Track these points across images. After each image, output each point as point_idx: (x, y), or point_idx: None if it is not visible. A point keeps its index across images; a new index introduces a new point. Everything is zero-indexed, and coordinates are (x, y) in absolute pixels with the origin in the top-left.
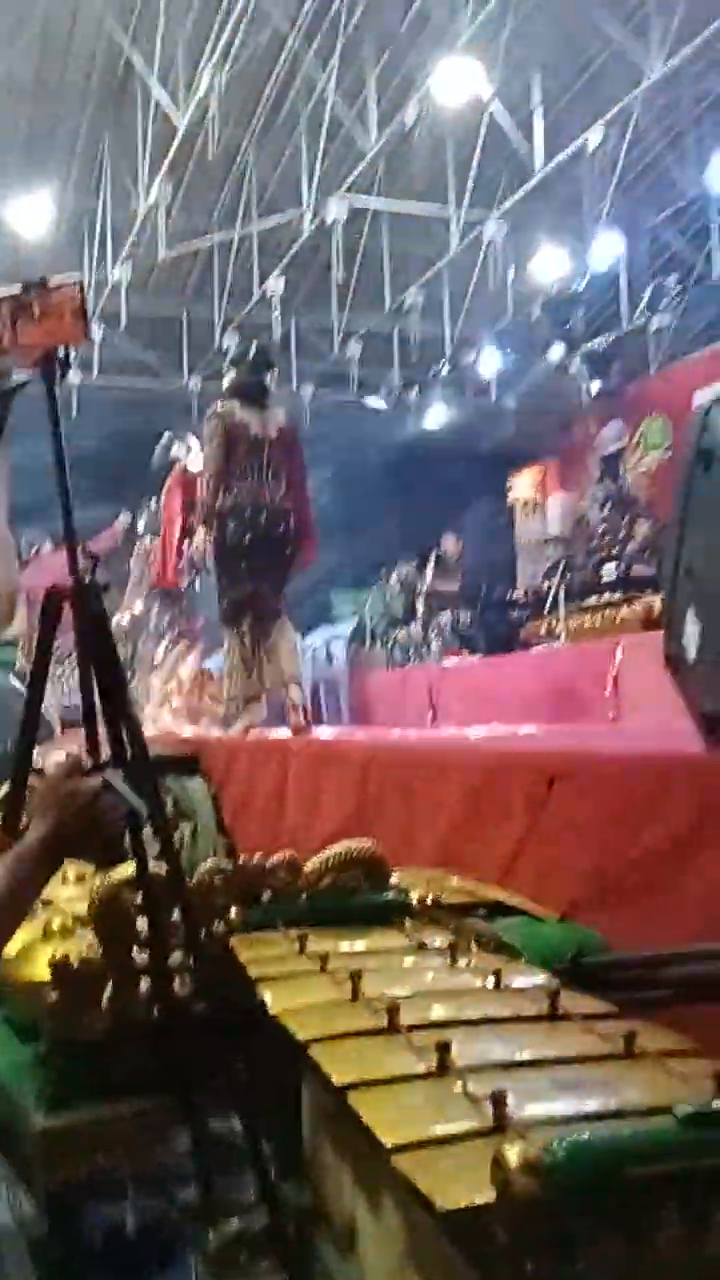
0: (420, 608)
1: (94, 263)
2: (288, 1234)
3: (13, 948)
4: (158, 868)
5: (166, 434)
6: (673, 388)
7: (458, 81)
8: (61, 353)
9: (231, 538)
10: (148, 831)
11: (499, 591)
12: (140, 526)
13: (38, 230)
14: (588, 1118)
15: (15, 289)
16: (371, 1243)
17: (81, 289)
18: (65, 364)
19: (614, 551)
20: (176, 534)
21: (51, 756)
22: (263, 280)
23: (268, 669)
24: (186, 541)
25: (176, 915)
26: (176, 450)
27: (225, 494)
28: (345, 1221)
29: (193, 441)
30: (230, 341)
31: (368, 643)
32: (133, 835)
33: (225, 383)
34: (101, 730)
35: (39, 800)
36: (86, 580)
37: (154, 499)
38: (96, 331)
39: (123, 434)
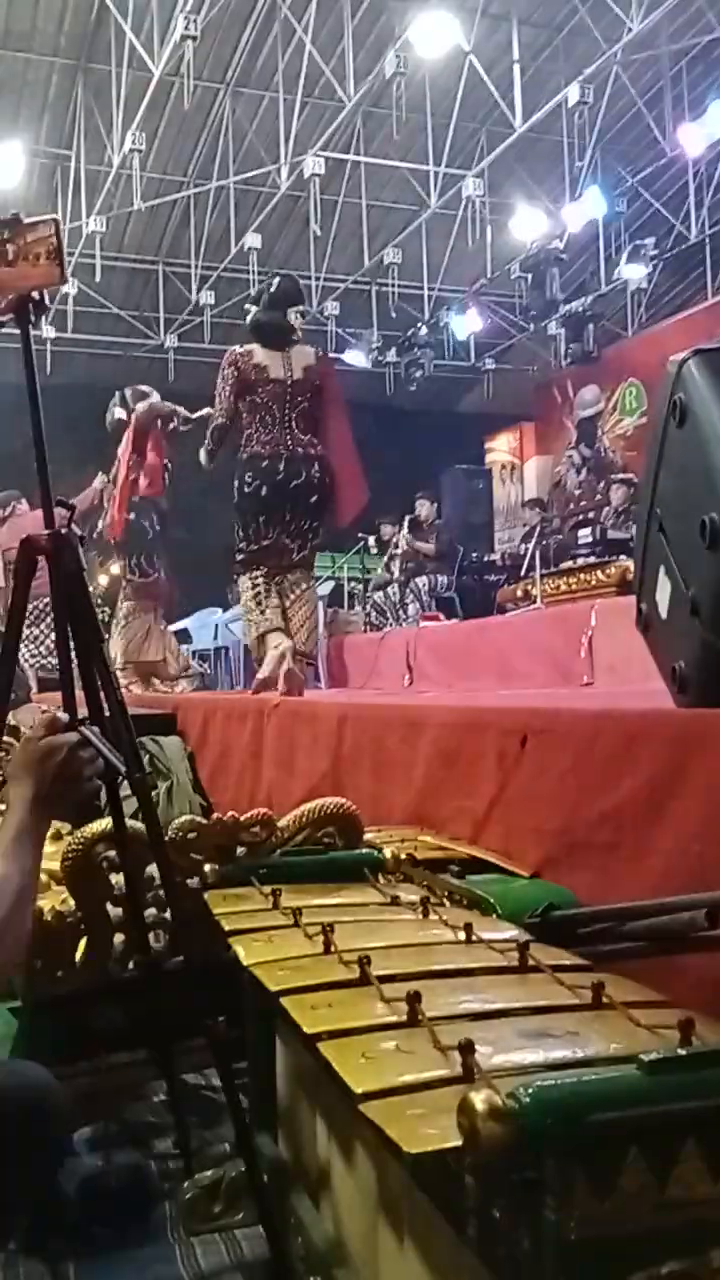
0: (397, 570)
1: (68, 214)
2: (264, 1185)
3: None
4: (135, 824)
5: (117, 394)
6: (649, 352)
7: (436, 34)
8: (37, 296)
9: (248, 487)
10: (124, 788)
11: (476, 554)
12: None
13: (10, 180)
14: (554, 1066)
15: None
16: (343, 1192)
17: (58, 228)
18: (41, 307)
19: (590, 515)
20: (122, 485)
21: (25, 716)
22: (240, 235)
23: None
24: (135, 493)
25: (150, 871)
26: (119, 412)
27: (247, 444)
28: (318, 1171)
29: (141, 397)
30: (206, 298)
31: (345, 605)
32: (109, 792)
33: (247, 321)
34: (78, 687)
35: (17, 759)
36: (62, 532)
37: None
38: (71, 283)
39: (98, 391)
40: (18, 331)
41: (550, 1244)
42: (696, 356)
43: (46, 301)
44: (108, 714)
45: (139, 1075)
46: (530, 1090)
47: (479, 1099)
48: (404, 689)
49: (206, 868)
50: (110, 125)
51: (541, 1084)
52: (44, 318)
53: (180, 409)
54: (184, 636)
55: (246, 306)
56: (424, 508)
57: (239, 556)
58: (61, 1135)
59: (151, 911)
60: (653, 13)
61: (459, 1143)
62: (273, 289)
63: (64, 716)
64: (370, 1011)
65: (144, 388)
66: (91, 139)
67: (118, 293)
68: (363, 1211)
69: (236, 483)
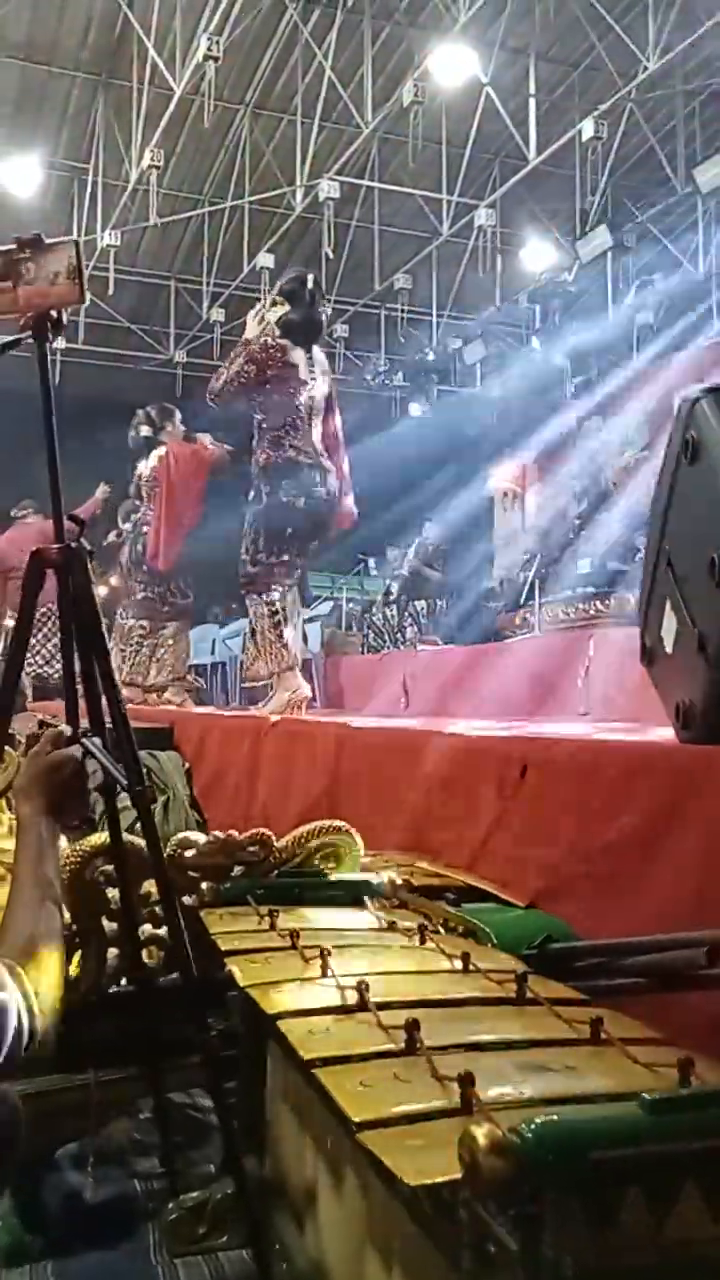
0: (397, 592)
1: (83, 227)
2: (250, 1208)
3: None
4: (132, 838)
5: (140, 412)
6: (653, 386)
7: (454, 65)
8: (55, 314)
9: (285, 495)
10: (123, 801)
11: (476, 580)
12: (124, 506)
13: (26, 191)
14: (553, 1100)
15: (9, 246)
16: (330, 1217)
17: (78, 249)
18: (58, 325)
19: (589, 547)
20: (170, 519)
21: (20, 724)
22: (252, 255)
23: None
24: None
25: (146, 887)
26: (145, 430)
27: (280, 447)
28: (305, 1195)
29: (167, 415)
30: (217, 315)
31: (343, 626)
32: (108, 805)
33: (271, 317)
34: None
35: (26, 774)
36: (73, 546)
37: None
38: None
39: (105, 403)
40: (33, 344)
41: (547, 1277)
42: (709, 395)
43: (64, 320)
44: (109, 726)
45: (127, 1092)
46: (532, 1126)
47: (481, 1133)
48: (400, 712)
49: (203, 885)
50: (129, 141)
51: (544, 1119)
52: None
53: (226, 451)
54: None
55: (272, 302)
56: (431, 530)
57: (254, 570)
58: (10, 1154)
59: (147, 928)
60: (668, 53)
61: (459, 1175)
62: (308, 284)
63: (67, 730)
64: (368, 1038)
65: (168, 405)
66: (109, 154)
67: (129, 306)
68: (350, 1238)
69: (267, 489)
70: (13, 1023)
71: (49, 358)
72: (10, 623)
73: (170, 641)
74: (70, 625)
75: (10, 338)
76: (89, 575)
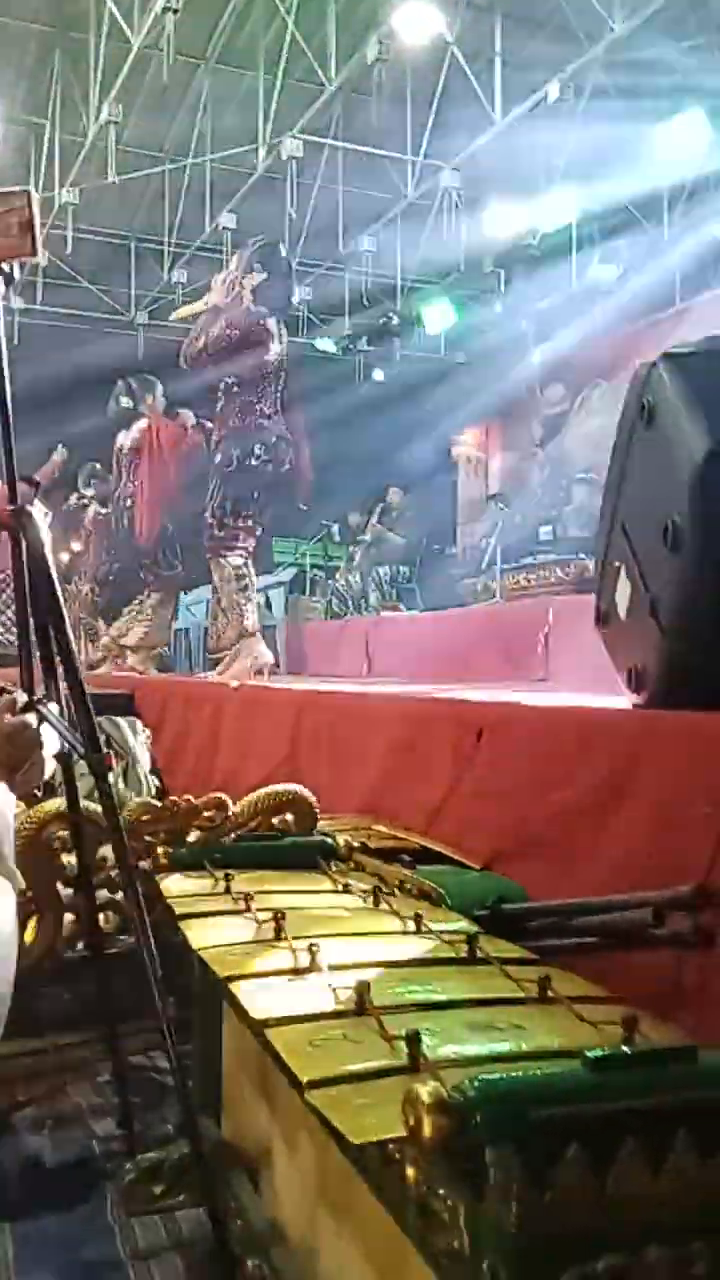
0: (360, 559)
1: (40, 184)
2: (206, 1167)
3: None
4: (90, 805)
5: (120, 382)
6: (617, 353)
7: (420, 22)
8: (7, 268)
9: (255, 461)
10: (81, 768)
11: (439, 547)
12: (85, 470)
13: None
14: (500, 1059)
15: None
16: (284, 1176)
17: (29, 200)
18: (9, 279)
19: (551, 513)
20: (153, 493)
21: None
22: (215, 214)
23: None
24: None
25: (102, 853)
26: (125, 400)
27: (249, 413)
28: (260, 1155)
29: (149, 386)
30: (179, 276)
31: (306, 592)
32: (65, 772)
33: (249, 284)
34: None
35: None
36: (26, 508)
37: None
38: (42, 254)
39: (64, 366)
40: None
41: (489, 1236)
42: (665, 360)
43: (14, 275)
44: (67, 691)
45: (84, 1056)
46: (475, 1084)
47: (424, 1091)
48: (362, 678)
49: (159, 850)
50: (87, 96)
51: (486, 1078)
52: (13, 288)
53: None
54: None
55: (247, 266)
56: (395, 496)
57: (219, 534)
58: None
59: (102, 893)
60: (635, 14)
61: (403, 1133)
62: (282, 253)
63: (22, 696)
64: (318, 999)
65: (150, 377)
66: (68, 109)
67: (88, 267)
68: (303, 1196)
69: (237, 453)
70: None
71: (1, 311)
72: None
73: (149, 612)
74: (24, 589)
75: None
76: (42, 538)
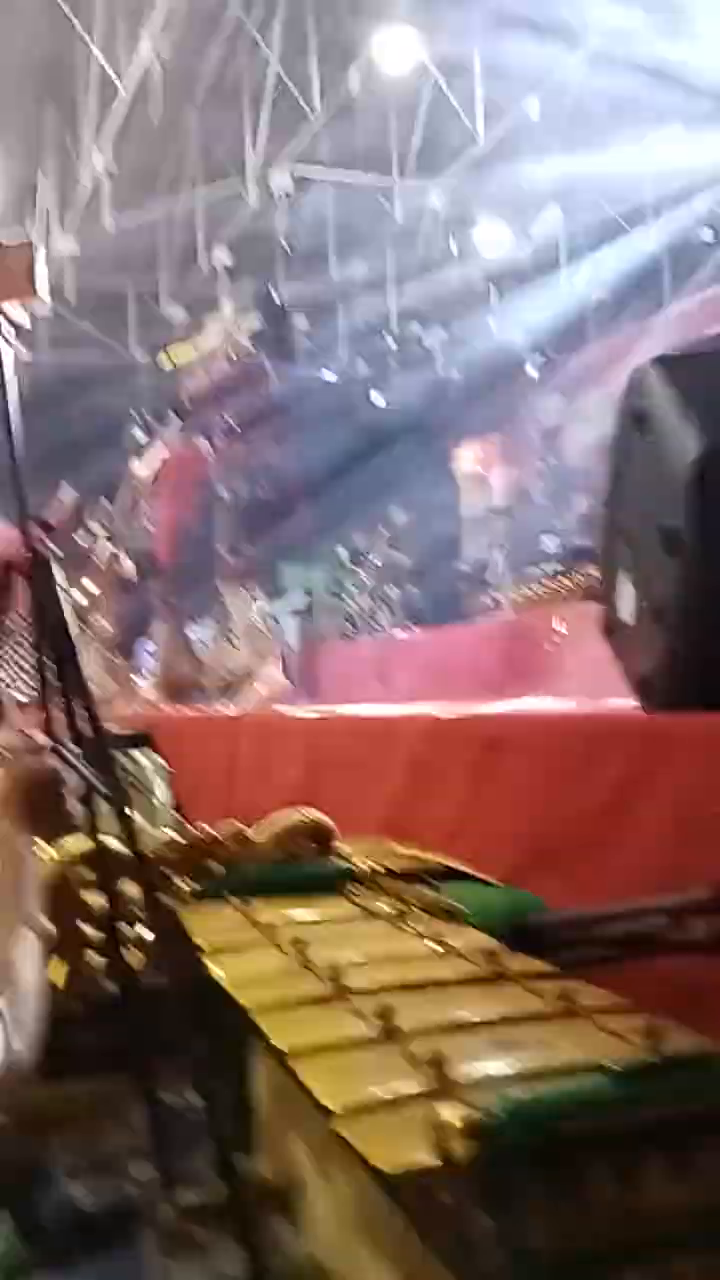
0: (368, 580)
1: (38, 236)
2: (243, 1206)
3: None
4: (116, 843)
5: (134, 413)
6: (611, 361)
7: (399, 50)
8: (12, 312)
9: (262, 491)
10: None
11: (445, 564)
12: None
13: None
14: (527, 1076)
15: None
16: (321, 1210)
17: (31, 248)
18: (17, 327)
19: (555, 524)
20: (173, 526)
21: None
22: (209, 251)
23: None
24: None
25: (122, 888)
26: (139, 435)
27: (255, 447)
28: (296, 1189)
29: (164, 423)
30: (176, 313)
31: (316, 615)
32: (87, 812)
33: (245, 326)
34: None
35: (1, 790)
36: (40, 552)
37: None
38: (41, 302)
39: (69, 410)
40: None
41: (521, 1254)
42: (656, 365)
43: (17, 320)
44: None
45: (117, 1097)
46: (502, 1105)
47: (452, 1115)
48: (375, 698)
49: (180, 883)
50: (79, 146)
51: (512, 1096)
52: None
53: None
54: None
55: (239, 310)
56: (399, 515)
57: (234, 561)
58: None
59: (127, 930)
60: (611, 30)
61: (433, 1160)
62: (275, 298)
63: (43, 740)
64: (344, 1026)
65: (163, 408)
66: (61, 159)
67: (88, 311)
68: (340, 1229)
69: (246, 487)
70: None
71: (8, 360)
72: None
73: (161, 642)
74: (41, 632)
75: None
76: (55, 581)
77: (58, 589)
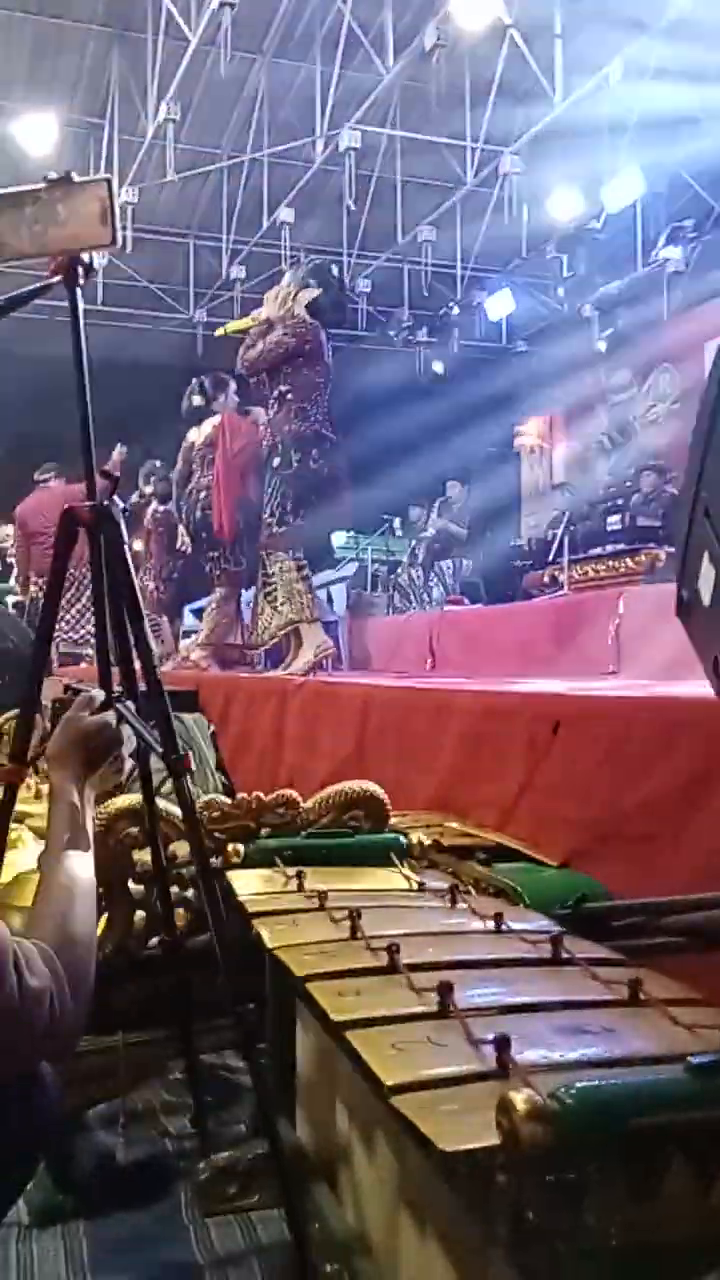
0: (423, 553)
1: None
2: (285, 1169)
3: (7, 873)
4: (162, 802)
5: (195, 380)
6: (685, 337)
7: (477, 6)
8: (86, 259)
9: (314, 463)
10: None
11: (502, 539)
12: (145, 467)
13: (42, 148)
14: (592, 1064)
15: (37, 186)
16: (363, 1181)
17: (110, 189)
18: (89, 270)
19: (619, 502)
20: (229, 486)
21: (46, 690)
22: (272, 209)
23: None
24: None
25: (172, 849)
26: (197, 399)
27: (307, 418)
28: (338, 1158)
29: (222, 385)
30: (237, 272)
31: (368, 587)
32: (141, 770)
33: (304, 298)
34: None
35: (59, 741)
36: (104, 504)
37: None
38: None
39: (125, 364)
40: (48, 300)
41: (588, 1249)
42: None
43: (95, 265)
44: (144, 690)
45: (156, 1054)
46: (573, 1091)
47: (519, 1098)
48: (426, 672)
49: (230, 847)
50: (145, 94)
51: (584, 1085)
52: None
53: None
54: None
55: (300, 280)
56: (454, 489)
57: (281, 530)
58: (49, 1110)
59: (174, 890)
60: None
61: (496, 1141)
62: (334, 271)
63: (100, 694)
64: (399, 1001)
65: (223, 376)
66: (125, 108)
67: (147, 265)
68: (384, 1202)
69: (297, 454)
70: (45, 1012)
71: (79, 304)
72: (36, 588)
73: (213, 607)
74: (102, 586)
75: (38, 285)
76: (122, 534)
77: (122, 544)
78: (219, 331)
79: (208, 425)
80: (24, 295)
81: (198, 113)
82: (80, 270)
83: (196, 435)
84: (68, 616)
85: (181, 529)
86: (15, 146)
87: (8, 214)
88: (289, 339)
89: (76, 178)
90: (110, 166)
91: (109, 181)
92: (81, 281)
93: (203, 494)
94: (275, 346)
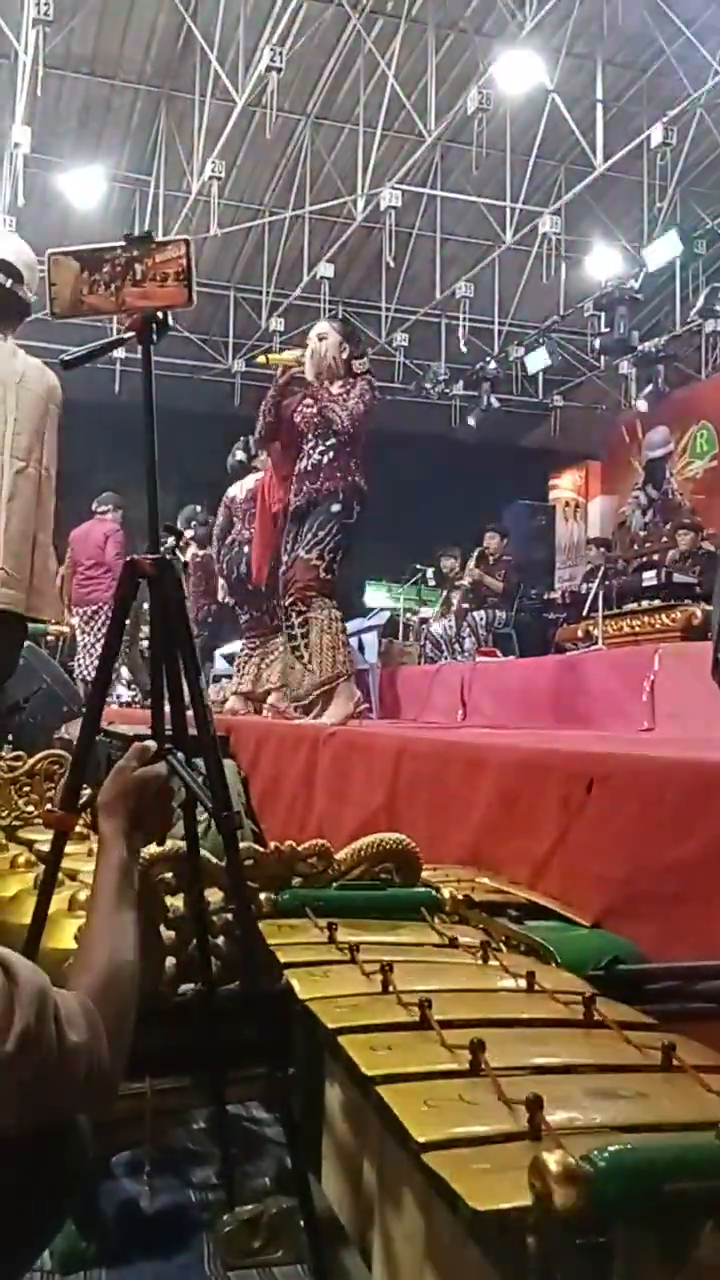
0: (455, 604)
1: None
2: (313, 1224)
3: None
4: (204, 850)
5: (242, 438)
6: None
7: (519, 72)
8: (160, 317)
9: (353, 517)
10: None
11: (536, 592)
12: (184, 512)
13: (90, 204)
14: (624, 1128)
15: (118, 244)
16: (390, 1238)
17: (188, 249)
18: (163, 328)
19: (655, 558)
20: (269, 535)
21: (78, 730)
22: (313, 264)
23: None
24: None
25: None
26: (240, 454)
27: (351, 471)
28: (363, 1214)
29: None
30: (276, 324)
31: (400, 636)
32: (187, 820)
33: (358, 366)
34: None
35: (110, 789)
36: (167, 557)
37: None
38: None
39: (163, 412)
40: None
41: None
42: None
43: (169, 323)
44: (196, 743)
45: (183, 1102)
46: (605, 1154)
47: (552, 1160)
48: (457, 724)
49: (261, 896)
50: (191, 152)
51: (617, 1148)
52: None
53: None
54: (231, 661)
55: (340, 345)
56: (493, 540)
57: (326, 577)
58: (81, 1160)
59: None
60: None
61: (527, 1202)
62: (356, 331)
63: (153, 745)
64: (431, 1057)
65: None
66: (171, 165)
67: (188, 316)
68: (410, 1260)
69: (339, 507)
70: (83, 1066)
71: (152, 362)
72: (77, 620)
73: (273, 655)
74: (160, 638)
75: (113, 339)
76: (182, 588)
77: (182, 596)
78: (261, 359)
79: (250, 480)
80: (100, 348)
81: (241, 170)
82: (155, 328)
83: (239, 490)
84: (96, 650)
85: (221, 579)
86: (64, 201)
87: (87, 270)
88: (367, 401)
89: (157, 237)
90: (155, 221)
91: (188, 243)
92: (155, 339)
93: (245, 547)
94: (312, 404)
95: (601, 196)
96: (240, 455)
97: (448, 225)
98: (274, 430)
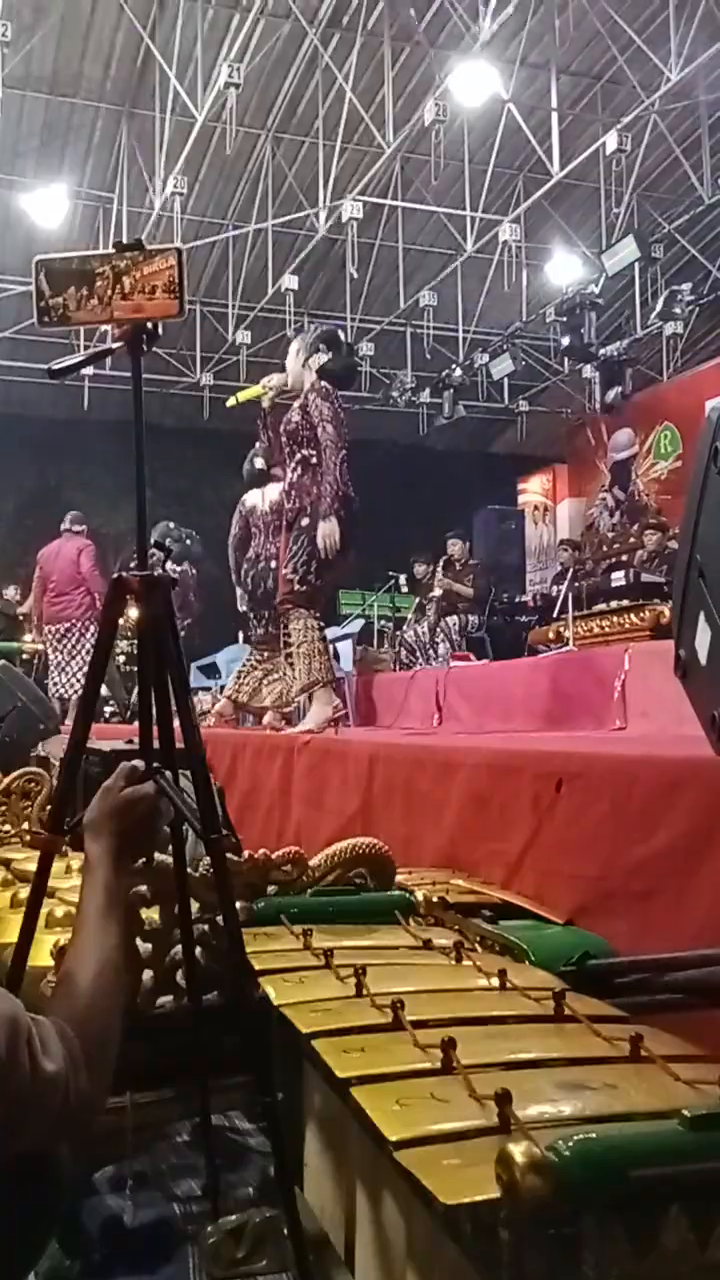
0: (429, 610)
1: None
2: (298, 1232)
3: (13, 936)
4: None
5: (258, 444)
6: (685, 396)
7: (475, 83)
8: (150, 327)
9: (341, 525)
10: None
11: (508, 595)
12: (158, 529)
13: (53, 222)
14: (593, 1119)
15: (108, 252)
16: (370, 1240)
17: (180, 258)
18: (153, 338)
19: (623, 559)
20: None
21: (55, 747)
22: (277, 277)
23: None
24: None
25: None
26: (259, 463)
27: (341, 481)
28: (344, 1218)
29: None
30: (243, 337)
31: (374, 643)
32: (174, 840)
33: (314, 362)
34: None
35: (97, 810)
36: (155, 574)
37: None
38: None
39: (130, 427)
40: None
41: None
42: None
43: (160, 332)
44: (178, 761)
45: (164, 1114)
46: (570, 1144)
47: (518, 1151)
48: (433, 729)
49: (238, 906)
50: (153, 169)
51: (582, 1138)
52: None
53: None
54: (212, 671)
55: (310, 347)
56: (455, 547)
57: (301, 589)
58: (61, 1185)
59: (179, 949)
60: (691, 64)
61: (497, 1194)
62: (340, 336)
63: (140, 765)
64: (404, 1057)
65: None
66: (134, 182)
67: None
68: (390, 1260)
69: (308, 521)
70: (60, 1095)
71: (141, 372)
72: (49, 638)
73: (275, 675)
74: (150, 656)
75: (100, 349)
76: (172, 606)
77: (171, 614)
78: (230, 402)
79: (273, 490)
80: (87, 358)
81: (204, 185)
82: (144, 338)
83: (259, 499)
84: (69, 667)
85: (241, 589)
86: (28, 220)
87: (75, 281)
88: (322, 403)
89: (147, 246)
90: (118, 237)
91: (179, 251)
92: (145, 349)
93: (273, 562)
94: (300, 415)
95: (560, 204)
96: (259, 463)
97: (409, 235)
98: (279, 451)
